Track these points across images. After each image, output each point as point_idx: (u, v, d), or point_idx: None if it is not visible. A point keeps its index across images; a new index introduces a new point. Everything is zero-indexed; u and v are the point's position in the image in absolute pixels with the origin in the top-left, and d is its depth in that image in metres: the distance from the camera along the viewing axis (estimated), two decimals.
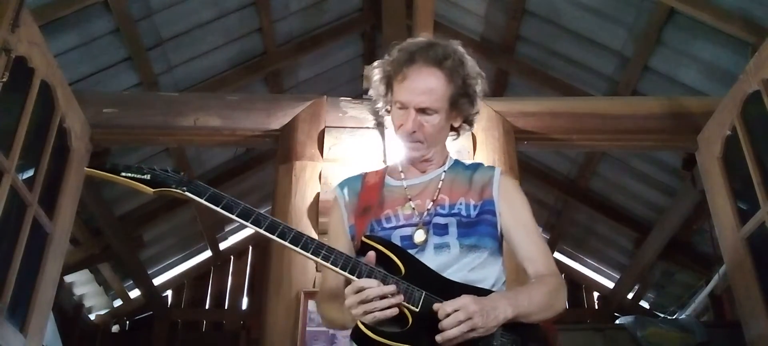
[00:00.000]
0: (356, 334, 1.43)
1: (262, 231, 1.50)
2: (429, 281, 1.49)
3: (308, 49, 4.93)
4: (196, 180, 1.57)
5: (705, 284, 5.36)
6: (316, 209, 3.11)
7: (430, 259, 1.56)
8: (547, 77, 4.77)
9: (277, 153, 3.43)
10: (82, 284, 5.87)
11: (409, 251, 1.57)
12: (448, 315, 1.40)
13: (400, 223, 1.65)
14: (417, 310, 1.44)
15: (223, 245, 6.97)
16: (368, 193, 1.74)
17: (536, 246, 1.67)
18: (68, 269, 5.05)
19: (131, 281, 6.31)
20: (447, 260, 1.57)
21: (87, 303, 6.15)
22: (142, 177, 1.55)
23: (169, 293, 7.00)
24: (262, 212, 1.53)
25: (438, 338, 1.40)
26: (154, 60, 4.18)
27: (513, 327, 1.46)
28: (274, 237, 1.49)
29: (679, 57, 3.93)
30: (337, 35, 5.02)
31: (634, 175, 5.02)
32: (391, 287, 1.44)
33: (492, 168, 1.79)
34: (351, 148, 3.33)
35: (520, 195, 1.75)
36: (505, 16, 4.58)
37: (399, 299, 1.44)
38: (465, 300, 1.42)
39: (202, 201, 1.53)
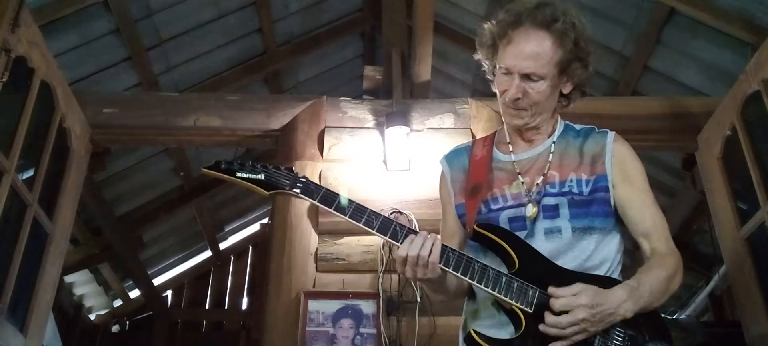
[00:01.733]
0: (470, 342, 1.43)
1: (374, 232, 1.47)
2: (543, 273, 1.44)
3: (308, 49, 4.93)
4: (307, 179, 1.53)
5: (705, 284, 5.35)
6: (316, 209, 3.11)
7: (540, 245, 1.49)
8: None
9: (277, 153, 3.43)
10: (82, 284, 5.87)
11: (520, 233, 1.51)
12: (556, 320, 1.36)
13: (508, 203, 1.57)
14: (531, 311, 1.40)
15: (223, 245, 6.96)
16: (477, 169, 1.65)
17: (652, 221, 1.57)
18: (68, 269, 5.05)
19: (131, 281, 6.31)
20: (559, 246, 1.50)
21: (87, 303, 6.14)
22: (257, 178, 1.53)
23: (169, 293, 7.00)
24: (374, 211, 1.50)
25: (541, 327, 1.37)
26: (154, 60, 4.18)
27: (633, 320, 1.40)
28: (386, 238, 1.47)
29: (679, 57, 3.93)
30: (337, 35, 5.01)
31: None
32: (436, 247, 1.42)
33: (604, 133, 1.66)
34: (351, 149, 3.33)
35: (635, 163, 1.62)
36: None
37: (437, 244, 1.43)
38: (578, 301, 1.36)
39: (315, 202, 1.50)
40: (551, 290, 1.39)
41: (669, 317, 5.40)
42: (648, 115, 3.51)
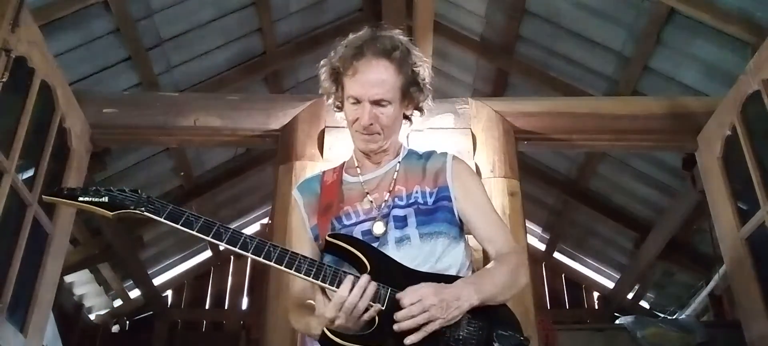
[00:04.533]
0: (323, 339, 1.43)
1: (223, 244, 1.50)
2: (395, 275, 1.50)
3: (308, 49, 4.92)
4: (154, 198, 1.54)
5: (705, 284, 5.35)
6: None
7: (392, 253, 1.57)
8: (547, 77, 4.77)
9: (277, 153, 3.43)
10: (82, 284, 5.87)
11: (373, 244, 1.58)
12: (408, 310, 1.41)
13: (360, 218, 1.66)
14: (383, 308, 1.44)
15: (223, 245, 6.95)
16: (328, 192, 1.75)
17: (494, 226, 1.69)
18: (68, 269, 5.05)
19: (131, 281, 6.31)
20: (409, 252, 1.58)
21: (87, 303, 6.14)
22: (100, 200, 1.52)
23: (169, 293, 7.00)
24: (224, 224, 1.52)
25: (395, 327, 1.41)
26: (154, 60, 4.18)
27: (480, 313, 1.48)
28: (236, 249, 1.49)
29: (679, 57, 3.93)
30: (337, 35, 4.96)
31: (634, 175, 5.02)
32: (372, 286, 1.43)
33: (444, 154, 1.80)
34: (351, 149, 3.32)
35: (473, 178, 1.78)
36: (505, 16, 4.57)
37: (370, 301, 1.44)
38: (424, 291, 1.43)
39: (161, 219, 1.50)
40: (398, 295, 1.44)
41: (669, 317, 5.40)
42: (648, 115, 3.51)
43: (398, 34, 1.73)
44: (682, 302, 5.93)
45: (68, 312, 5.69)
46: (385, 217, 1.63)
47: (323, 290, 1.48)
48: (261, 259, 1.49)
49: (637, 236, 5.52)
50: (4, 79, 2.44)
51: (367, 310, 1.43)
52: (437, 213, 1.65)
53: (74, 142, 3.13)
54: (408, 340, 1.41)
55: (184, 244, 6.46)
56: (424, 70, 1.74)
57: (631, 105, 3.67)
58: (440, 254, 1.60)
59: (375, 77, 1.65)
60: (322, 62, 1.81)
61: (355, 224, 1.65)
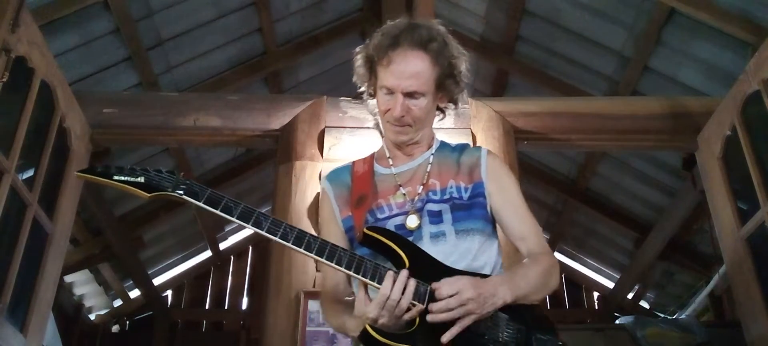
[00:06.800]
0: (365, 338, 1.41)
1: (263, 233, 1.45)
2: (433, 272, 1.47)
3: (308, 49, 4.93)
4: (193, 181, 1.51)
5: (705, 284, 5.35)
6: (316, 209, 3.11)
7: (428, 250, 1.54)
8: (547, 77, 4.77)
9: (277, 153, 3.43)
10: (82, 284, 5.87)
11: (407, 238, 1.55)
12: (445, 302, 1.39)
13: (393, 212, 1.63)
14: (423, 306, 1.42)
15: (223, 245, 6.96)
16: (359, 183, 1.71)
17: (527, 225, 1.65)
18: (68, 269, 5.05)
19: (131, 281, 6.31)
20: (445, 249, 1.55)
21: (87, 303, 6.14)
22: (136, 180, 1.49)
23: (169, 293, 7.00)
24: (262, 211, 1.49)
25: (428, 318, 1.39)
26: (154, 60, 4.18)
27: (518, 316, 1.46)
28: (276, 239, 1.45)
29: (679, 57, 3.93)
30: (337, 35, 5.01)
31: (634, 175, 5.02)
32: (412, 283, 1.41)
33: (478, 149, 1.77)
34: (351, 148, 3.32)
35: (508, 174, 1.73)
36: (505, 16, 4.58)
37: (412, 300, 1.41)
38: (462, 284, 1.41)
39: (200, 204, 1.47)
40: (434, 284, 1.43)
41: (669, 317, 5.40)
42: (648, 115, 3.51)
43: (439, 26, 1.68)
44: (682, 302, 5.94)
45: (68, 312, 5.69)
46: (419, 211, 1.60)
47: (365, 286, 1.46)
48: (302, 250, 1.44)
49: (637, 236, 5.53)
50: (4, 79, 2.44)
51: (409, 310, 1.41)
52: (473, 210, 1.62)
53: (74, 142, 3.13)
54: (445, 336, 1.38)
55: (184, 244, 6.47)
56: (462, 63, 1.69)
57: (632, 105, 3.66)
58: (476, 252, 1.57)
59: (410, 69, 1.60)
60: (357, 49, 1.76)
61: (389, 217, 1.62)
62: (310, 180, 3.21)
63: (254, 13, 4.43)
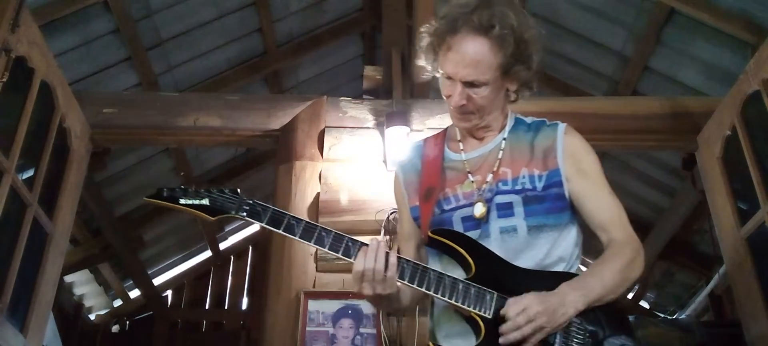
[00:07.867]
0: None
1: (325, 250, 1.43)
2: (501, 275, 1.42)
3: (308, 49, 4.93)
4: (256, 200, 1.48)
5: (705, 284, 5.35)
6: (316, 209, 3.11)
7: (497, 246, 1.47)
8: (547, 77, 4.77)
9: (277, 153, 3.43)
10: (82, 284, 5.87)
11: (472, 232, 1.50)
12: (514, 321, 1.34)
13: (461, 203, 1.55)
14: (489, 317, 1.38)
15: (223, 245, 6.96)
16: (429, 171, 1.63)
17: (608, 212, 1.55)
18: (68, 269, 5.05)
19: (131, 281, 6.31)
20: (515, 245, 1.48)
21: (87, 303, 6.14)
22: (201, 203, 1.47)
23: (169, 293, 7.00)
24: (325, 228, 1.45)
25: (501, 340, 1.34)
26: (154, 60, 4.18)
27: (589, 317, 1.40)
28: (339, 255, 1.43)
29: (679, 57, 3.93)
30: (337, 35, 5.01)
31: (634, 175, 5.02)
32: (391, 256, 1.40)
33: (555, 126, 1.62)
34: (351, 148, 3.33)
35: (588, 152, 1.59)
36: None
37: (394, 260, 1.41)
38: (527, 301, 1.35)
39: (263, 224, 1.44)
40: (502, 311, 1.38)
41: (669, 317, 5.40)
42: (648, 115, 3.51)
43: (504, 5, 1.51)
44: (682, 302, 5.93)
45: (68, 312, 5.69)
46: (488, 201, 1.51)
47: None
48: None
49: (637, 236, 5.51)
50: (4, 79, 2.44)
51: (386, 271, 1.38)
52: (547, 202, 1.51)
53: (74, 142, 3.13)
54: None
55: (184, 244, 6.47)
56: (534, 46, 1.53)
57: (632, 105, 3.66)
58: (549, 248, 1.49)
59: (468, 58, 1.48)
60: (422, 28, 1.61)
61: (455, 209, 1.54)
62: (310, 180, 3.21)
63: (254, 13, 4.42)
